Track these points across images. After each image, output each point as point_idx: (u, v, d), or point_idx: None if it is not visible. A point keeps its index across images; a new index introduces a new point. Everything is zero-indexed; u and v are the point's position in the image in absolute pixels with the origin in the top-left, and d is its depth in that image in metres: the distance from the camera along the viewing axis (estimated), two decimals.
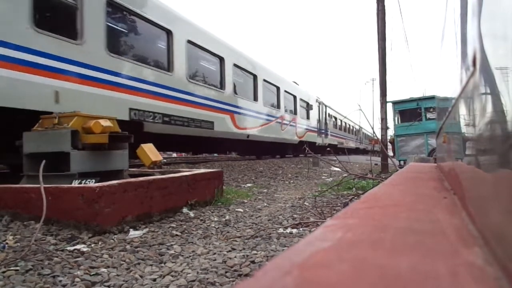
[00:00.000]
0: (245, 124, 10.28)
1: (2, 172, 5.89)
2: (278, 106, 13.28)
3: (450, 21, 1.65)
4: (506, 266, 0.49)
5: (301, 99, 16.15)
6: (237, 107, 9.80)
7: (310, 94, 18.25)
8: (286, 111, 13.98)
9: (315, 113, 18.49)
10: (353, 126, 33.21)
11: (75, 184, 2.98)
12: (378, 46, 8.90)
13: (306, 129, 16.72)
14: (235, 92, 9.68)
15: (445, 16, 2.00)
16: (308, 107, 17.34)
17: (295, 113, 15.26)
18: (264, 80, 11.83)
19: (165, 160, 4.48)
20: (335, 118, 25.03)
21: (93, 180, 3.06)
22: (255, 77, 11.20)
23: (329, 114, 22.36)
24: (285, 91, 14.04)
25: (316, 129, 18.64)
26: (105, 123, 3.34)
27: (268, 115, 12.14)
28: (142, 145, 4.17)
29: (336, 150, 23.76)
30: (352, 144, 31.23)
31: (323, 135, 20.24)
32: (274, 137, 12.64)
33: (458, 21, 1.23)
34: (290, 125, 14.47)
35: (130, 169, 4.01)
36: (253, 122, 10.88)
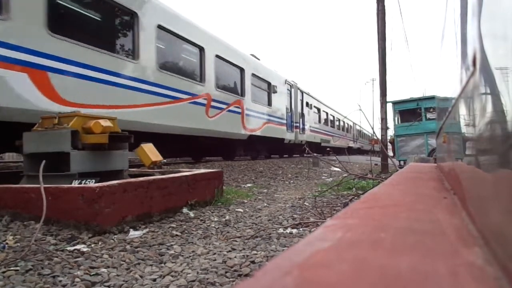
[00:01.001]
0: (99, 97, 5.51)
1: (2, 172, 5.88)
2: (201, 79, 8.26)
3: (450, 21, 1.65)
4: (506, 266, 0.49)
5: (254, 76, 11.25)
6: (64, 61, 4.96)
7: (277, 73, 13.54)
8: (219, 87, 9.07)
9: (282, 100, 13.81)
10: (344, 121, 27.87)
11: (75, 184, 2.98)
12: (378, 46, 8.91)
13: (266, 119, 11.98)
14: (51, 29, 4.76)
15: (445, 16, 2.00)
16: (270, 89, 12.55)
17: (242, 94, 10.35)
18: (161, 28, 6.92)
19: (165, 160, 4.48)
20: (318, 110, 19.87)
21: (93, 180, 3.06)
22: (134, 17, 6.23)
23: (307, 103, 17.21)
24: (218, 57, 9.05)
25: (284, 121, 13.82)
26: (105, 123, 3.34)
27: (172, 89, 7.18)
28: (142, 145, 4.18)
29: (321, 148, 19.62)
30: (342, 143, 26.20)
31: (298, 130, 15.54)
32: (187, 127, 7.73)
33: (458, 21, 1.23)
34: (229, 111, 9.51)
35: (130, 169, 4.01)
36: (126, 96, 6.04)
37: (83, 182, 3.06)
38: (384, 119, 8.69)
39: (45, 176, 2.62)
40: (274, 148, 14.89)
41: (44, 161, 2.84)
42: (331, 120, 23.29)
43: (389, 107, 11.78)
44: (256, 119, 11.35)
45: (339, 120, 25.94)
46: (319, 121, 20.01)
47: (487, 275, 0.52)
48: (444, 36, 2.11)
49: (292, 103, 15.11)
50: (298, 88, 16.14)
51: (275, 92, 12.95)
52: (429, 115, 11.35)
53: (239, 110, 10.21)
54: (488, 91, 0.68)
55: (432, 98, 10.12)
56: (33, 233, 2.11)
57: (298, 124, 15.63)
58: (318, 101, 19.90)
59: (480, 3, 0.73)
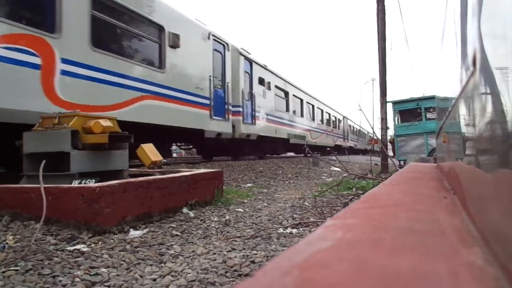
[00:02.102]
0: None
1: (2, 172, 5.88)
2: None
3: (450, 21, 1.65)
4: (506, 266, 0.49)
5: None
6: None
7: (185, 15, 7.85)
8: None
9: (200, 64, 8.17)
10: (330, 113, 22.16)
11: (75, 184, 2.98)
12: (378, 46, 8.90)
13: (143, 90, 6.39)
14: None
15: (445, 16, 2.00)
16: (163, 39, 6.94)
17: (52, 27, 4.77)
18: None
19: (165, 160, 4.48)
20: (286, 94, 14.40)
21: (93, 180, 3.06)
22: None
23: (261, 80, 11.80)
24: None
25: (205, 101, 8.29)
26: (105, 123, 3.34)
27: None
28: (142, 145, 4.18)
29: (293, 146, 14.99)
30: (327, 140, 20.34)
31: (241, 117, 10.23)
32: None
33: (458, 21, 1.23)
34: None
35: (130, 169, 4.01)
36: None
37: (83, 182, 3.06)
38: (384, 119, 8.69)
39: (45, 176, 2.62)
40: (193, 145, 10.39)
41: (44, 161, 2.84)
42: (309, 110, 17.64)
43: (389, 107, 11.78)
44: (108, 88, 5.63)
45: (322, 111, 20.18)
46: (287, 110, 14.48)
47: (487, 275, 0.52)
48: (444, 36, 2.11)
49: (225, 74, 9.26)
50: (241, 54, 10.36)
51: (175, 46, 7.11)
52: (429, 115, 11.35)
53: (36, 60, 4.60)
54: (488, 91, 0.68)
55: (432, 98, 10.12)
56: (33, 233, 2.11)
57: (241, 109, 10.15)
58: (284, 80, 14.18)
59: (480, 3, 0.73)
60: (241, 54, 10.43)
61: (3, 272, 1.63)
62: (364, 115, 6.57)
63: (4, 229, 2.30)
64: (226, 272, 1.68)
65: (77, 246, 2.05)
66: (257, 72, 11.63)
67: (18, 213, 2.50)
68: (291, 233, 2.48)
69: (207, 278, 1.60)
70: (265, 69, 12.35)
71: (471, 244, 0.67)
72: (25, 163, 3.31)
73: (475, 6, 0.78)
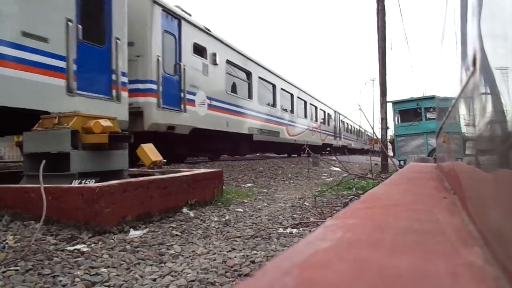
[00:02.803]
0: None
1: (2, 172, 5.88)
2: None
3: (450, 21, 1.65)
4: (506, 266, 0.49)
5: None
6: None
7: None
8: None
9: None
10: (317, 106, 19.26)
11: (75, 184, 2.98)
12: (378, 46, 8.90)
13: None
14: None
15: (445, 16, 2.00)
16: None
17: None
18: None
19: (165, 160, 4.48)
20: (248, 74, 11.22)
21: (93, 180, 3.06)
22: None
23: (200, 48, 8.32)
24: None
25: (58, 63, 4.56)
26: (105, 123, 3.35)
27: None
28: (142, 145, 4.18)
29: (258, 144, 11.96)
30: (311, 137, 17.27)
31: (159, 99, 6.82)
32: None
33: (458, 21, 1.23)
34: None
35: (130, 169, 4.01)
36: None
37: (83, 182, 3.06)
38: (384, 119, 8.69)
39: (45, 176, 2.62)
40: None
41: (44, 161, 2.84)
42: (285, 100, 14.47)
43: (389, 107, 11.78)
44: None
45: (305, 102, 17.01)
46: (249, 96, 11.14)
47: (487, 275, 0.52)
48: (444, 36, 2.11)
49: (112, 24, 5.62)
50: (157, 3, 6.87)
51: None
52: (429, 115, 11.35)
53: None
54: (488, 91, 0.68)
55: (432, 98, 10.11)
56: (33, 233, 2.11)
57: (155, 87, 6.77)
58: (244, 56, 10.78)
59: (480, 3, 0.73)
60: (155, 2, 6.79)
61: (3, 272, 1.63)
62: (364, 115, 6.56)
63: (4, 229, 2.30)
64: (226, 272, 1.68)
65: (77, 246, 2.05)
66: (192, 36, 7.95)
67: (18, 213, 2.50)
68: (291, 233, 2.48)
69: (207, 278, 1.60)
70: (208, 34, 8.54)
71: (471, 244, 0.67)
72: (25, 163, 3.31)
73: (475, 6, 0.78)
